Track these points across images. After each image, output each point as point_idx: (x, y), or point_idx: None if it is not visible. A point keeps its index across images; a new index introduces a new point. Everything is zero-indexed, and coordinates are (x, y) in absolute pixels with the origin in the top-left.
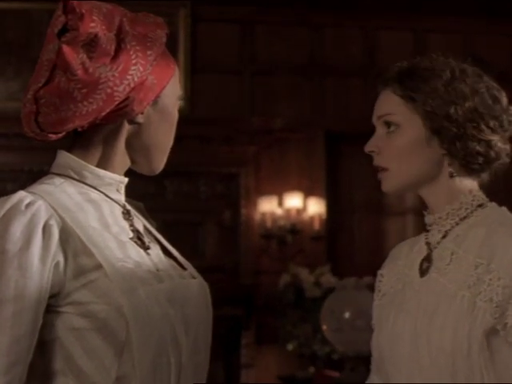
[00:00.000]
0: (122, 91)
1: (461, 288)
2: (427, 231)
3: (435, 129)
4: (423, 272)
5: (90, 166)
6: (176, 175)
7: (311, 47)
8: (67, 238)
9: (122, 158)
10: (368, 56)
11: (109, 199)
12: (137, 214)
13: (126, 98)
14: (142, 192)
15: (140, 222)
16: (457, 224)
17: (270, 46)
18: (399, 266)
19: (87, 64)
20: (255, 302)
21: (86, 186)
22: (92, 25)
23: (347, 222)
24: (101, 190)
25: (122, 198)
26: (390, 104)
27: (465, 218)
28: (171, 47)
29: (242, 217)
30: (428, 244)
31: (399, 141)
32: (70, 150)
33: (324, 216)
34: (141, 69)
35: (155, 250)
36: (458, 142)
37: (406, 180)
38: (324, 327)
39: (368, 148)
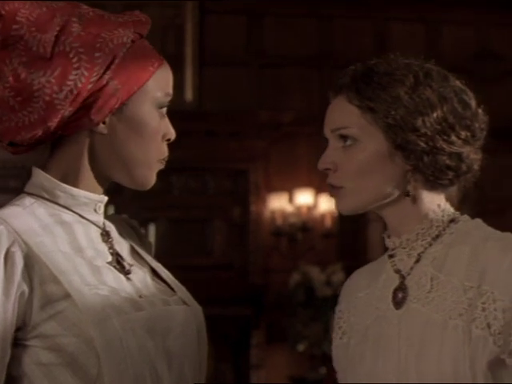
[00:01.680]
0: (64, 99)
1: (451, 317)
2: (391, 256)
3: (399, 143)
4: (398, 303)
5: (62, 184)
6: (183, 171)
7: (321, 39)
8: (33, 264)
9: (96, 174)
10: (379, 48)
11: (84, 220)
12: (125, 233)
13: (81, 106)
14: (148, 189)
15: (124, 243)
16: (430, 245)
17: (278, 37)
18: (360, 299)
19: (19, 70)
20: (265, 301)
21: (58, 207)
22: (15, 27)
23: (359, 220)
24: (75, 210)
25: (100, 218)
26: (345, 115)
27: (437, 236)
28: (178, 40)
29: (252, 214)
30: (398, 271)
31: (358, 157)
32: (44, 165)
33: (335, 213)
34: (85, 73)
35: (140, 274)
36: (425, 157)
37: (364, 199)
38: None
39: (322, 165)
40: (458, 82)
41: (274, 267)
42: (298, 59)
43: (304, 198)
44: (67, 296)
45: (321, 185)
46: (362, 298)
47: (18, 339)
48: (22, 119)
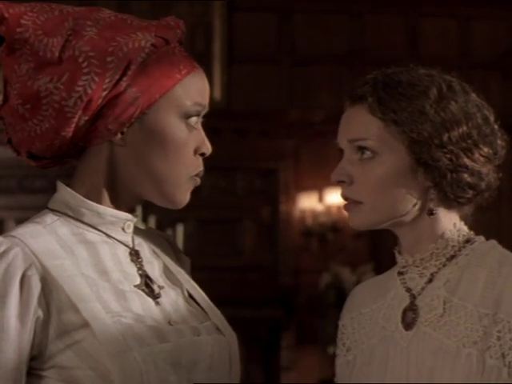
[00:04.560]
0: (73, 106)
1: (465, 344)
2: (400, 273)
3: (423, 159)
4: (409, 324)
5: (87, 201)
6: (212, 170)
7: (352, 36)
8: (51, 290)
9: (122, 190)
10: (410, 44)
11: (110, 240)
12: (160, 249)
13: (97, 115)
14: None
15: (157, 262)
16: (444, 265)
17: (308, 35)
18: (365, 316)
19: (26, 76)
20: (295, 303)
21: (82, 225)
22: (19, 30)
23: None
24: (101, 229)
25: (129, 237)
26: (365, 127)
27: (452, 257)
28: (207, 37)
29: (281, 213)
30: (408, 290)
31: (377, 171)
32: (70, 180)
33: None
34: (96, 79)
35: (171, 296)
36: (449, 175)
37: (382, 216)
38: None
39: (337, 177)
40: (475, 96)
41: (304, 268)
42: (329, 57)
43: (334, 197)
44: (86, 325)
45: None
46: (367, 314)
47: (34, 369)
48: (33, 128)
